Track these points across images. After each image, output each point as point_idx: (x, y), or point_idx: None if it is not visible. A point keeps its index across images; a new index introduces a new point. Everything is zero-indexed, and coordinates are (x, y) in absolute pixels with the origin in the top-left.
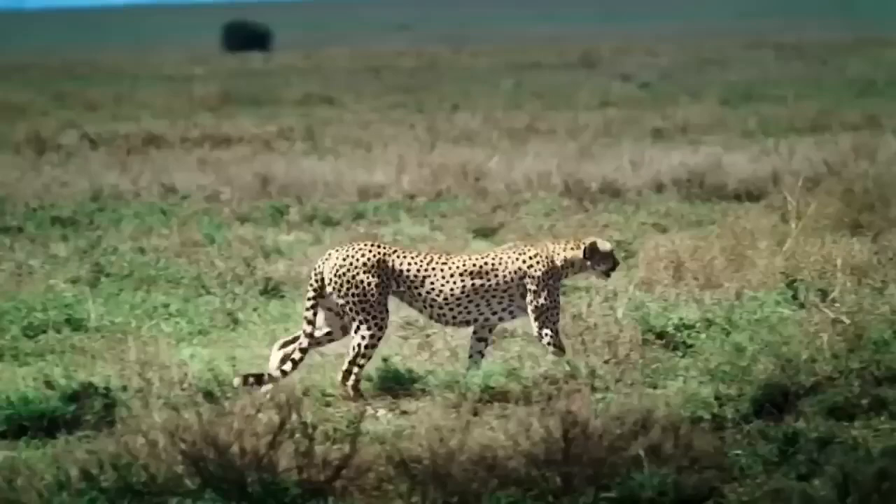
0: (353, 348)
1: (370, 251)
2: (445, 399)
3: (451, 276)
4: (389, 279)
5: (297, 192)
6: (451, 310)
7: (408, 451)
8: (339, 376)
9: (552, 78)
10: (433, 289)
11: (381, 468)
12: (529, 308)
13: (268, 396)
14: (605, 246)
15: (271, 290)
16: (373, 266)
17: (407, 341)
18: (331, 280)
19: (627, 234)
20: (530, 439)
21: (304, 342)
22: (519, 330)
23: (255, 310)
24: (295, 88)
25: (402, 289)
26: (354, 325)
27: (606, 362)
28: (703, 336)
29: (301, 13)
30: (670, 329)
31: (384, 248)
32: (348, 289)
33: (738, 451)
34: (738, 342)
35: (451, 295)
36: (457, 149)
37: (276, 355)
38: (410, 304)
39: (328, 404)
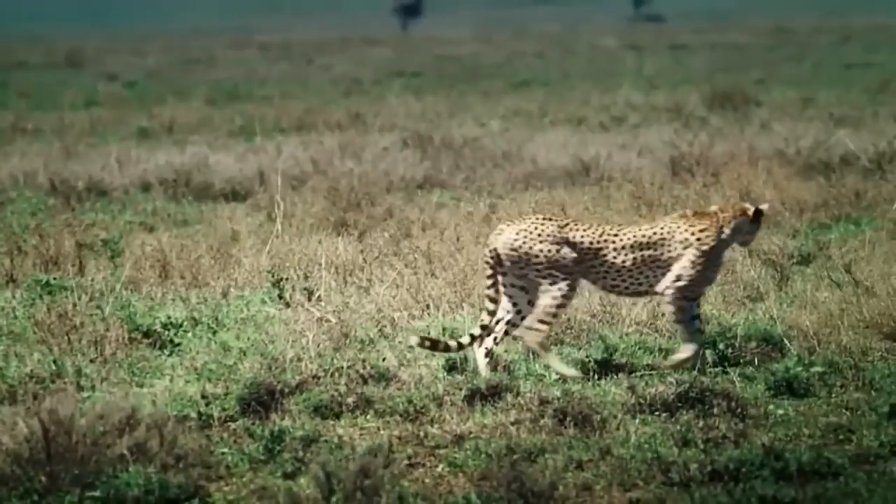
0: (542, 308)
1: (542, 223)
2: None
3: (623, 247)
4: (565, 246)
5: None
6: (624, 281)
7: None
8: (526, 333)
9: (37, 77)
10: (606, 260)
11: None
12: (676, 269)
13: None
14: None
15: None
16: (548, 235)
17: None
18: (507, 255)
19: (114, 232)
20: (14, 438)
21: (486, 319)
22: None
23: None
24: None
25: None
26: (543, 287)
27: (93, 361)
28: (189, 335)
29: None
30: (157, 328)
31: (556, 219)
32: (527, 260)
33: (225, 450)
34: (225, 341)
35: (623, 266)
36: None
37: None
38: (584, 276)
39: None
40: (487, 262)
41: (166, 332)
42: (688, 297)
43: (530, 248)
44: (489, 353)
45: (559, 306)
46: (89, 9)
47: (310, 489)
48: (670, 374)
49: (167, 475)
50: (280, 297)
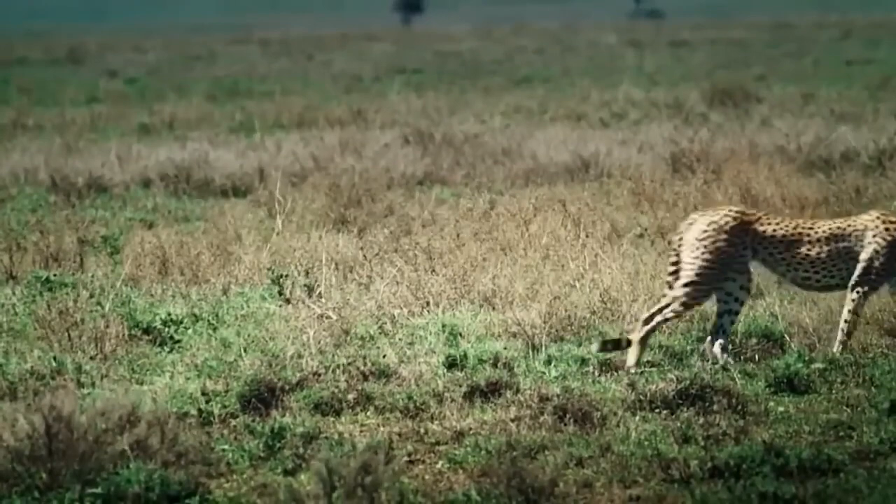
0: (662, 301)
1: (734, 218)
2: None
3: (819, 240)
4: (748, 247)
5: None
6: (817, 273)
7: None
8: (644, 315)
9: (39, 73)
10: (800, 252)
11: None
12: (862, 262)
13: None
14: None
15: None
16: (735, 234)
17: None
18: (690, 243)
19: (114, 229)
20: (15, 435)
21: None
22: None
23: None
24: None
25: (765, 254)
26: (680, 281)
27: (93, 358)
28: (189, 331)
29: None
30: (157, 324)
31: (749, 214)
32: (702, 252)
33: (225, 447)
34: (225, 337)
35: (818, 259)
36: None
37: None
38: (773, 270)
39: None
40: (674, 250)
41: (166, 329)
42: (870, 286)
43: (712, 241)
44: (724, 347)
45: (673, 310)
46: (90, 6)
47: (310, 486)
48: (671, 370)
49: (168, 472)
50: (280, 293)
